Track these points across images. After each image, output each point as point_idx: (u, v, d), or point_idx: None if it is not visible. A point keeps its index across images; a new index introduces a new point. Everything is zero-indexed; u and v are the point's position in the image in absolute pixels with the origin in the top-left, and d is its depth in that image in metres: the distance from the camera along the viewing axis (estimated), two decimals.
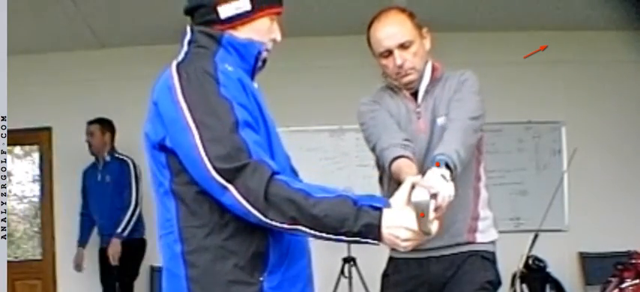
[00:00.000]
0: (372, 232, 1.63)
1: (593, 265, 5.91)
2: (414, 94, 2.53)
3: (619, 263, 4.43)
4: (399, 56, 2.44)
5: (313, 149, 6.10)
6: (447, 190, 1.84)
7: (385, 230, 1.63)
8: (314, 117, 6.01)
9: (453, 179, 1.99)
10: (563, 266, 5.83)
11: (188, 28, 1.88)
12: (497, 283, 2.58)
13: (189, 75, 1.71)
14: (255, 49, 1.86)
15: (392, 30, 2.45)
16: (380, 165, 2.50)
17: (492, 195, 2.64)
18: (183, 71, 1.73)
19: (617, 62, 5.97)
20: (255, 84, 1.88)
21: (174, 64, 1.77)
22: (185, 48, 1.85)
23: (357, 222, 1.62)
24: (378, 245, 1.67)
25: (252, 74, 1.88)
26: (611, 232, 5.77)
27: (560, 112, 6.16)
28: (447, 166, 2.08)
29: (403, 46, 2.44)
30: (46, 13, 5.22)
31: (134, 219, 5.41)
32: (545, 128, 6.19)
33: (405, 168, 2.23)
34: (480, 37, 5.91)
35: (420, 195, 1.64)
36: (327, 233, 1.64)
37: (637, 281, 4.17)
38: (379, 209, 1.64)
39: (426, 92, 2.51)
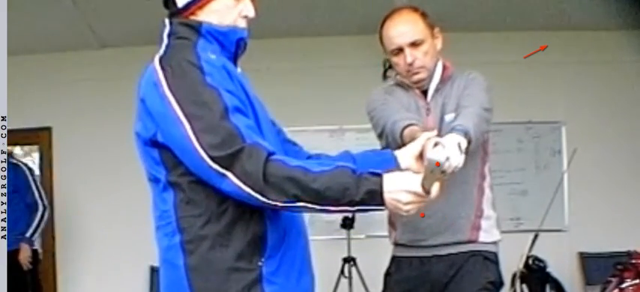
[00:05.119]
0: (374, 198, 1.63)
1: (593, 265, 5.90)
2: (424, 92, 2.55)
3: (619, 263, 4.43)
4: (409, 54, 2.47)
5: (313, 149, 6.07)
6: (458, 159, 1.78)
7: (387, 195, 1.63)
8: (314, 117, 5.99)
9: (466, 152, 1.96)
10: (563, 266, 5.82)
11: (167, 21, 1.88)
12: (500, 284, 2.59)
13: (174, 67, 1.71)
14: (235, 36, 1.86)
15: (403, 28, 2.49)
16: (388, 143, 2.44)
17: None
18: (166, 65, 1.72)
19: (617, 62, 5.97)
20: (239, 69, 1.88)
21: (156, 58, 1.77)
22: (165, 41, 1.85)
23: (359, 191, 1.62)
24: (382, 210, 1.66)
25: (234, 60, 1.87)
26: (611, 232, 5.78)
27: (560, 112, 6.15)
28: (465, 136, 2.04)
29: (414, 45, 2.47)
30: (46, 13, 5.21)
31: (44, 221, 5.21)
32: (545, 128, 6.18)
33: (419, 131, 2.18)
34: (480, 37, 5.90)
35: (438, 154, 1.60)
36: (331, 205, 1.64)
37: (637, 281, 4.17)
38: (379, 174, 1.64)
39: (436, 90, 2.54)
